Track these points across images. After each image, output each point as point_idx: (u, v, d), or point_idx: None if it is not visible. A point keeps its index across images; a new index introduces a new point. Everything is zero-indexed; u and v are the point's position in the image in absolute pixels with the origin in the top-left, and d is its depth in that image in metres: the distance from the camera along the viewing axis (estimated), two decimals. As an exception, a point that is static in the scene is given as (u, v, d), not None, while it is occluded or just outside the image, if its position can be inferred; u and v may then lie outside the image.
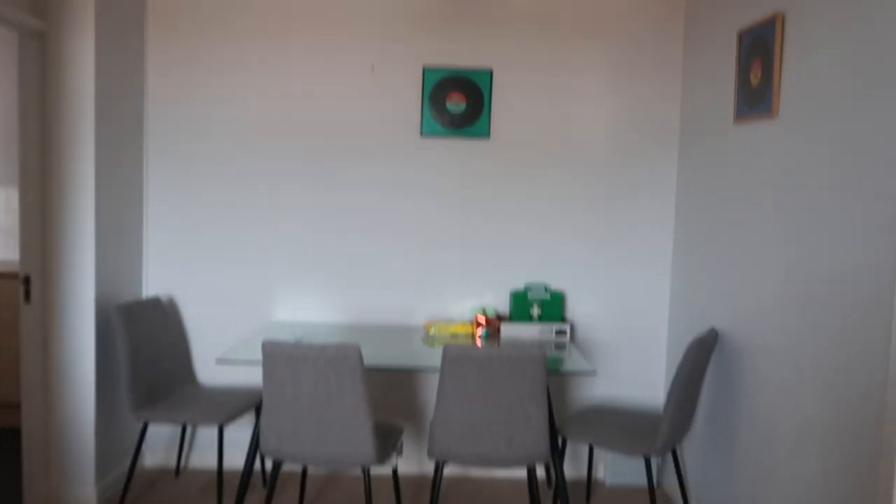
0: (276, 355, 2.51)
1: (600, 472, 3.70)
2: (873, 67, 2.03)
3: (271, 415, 2.59)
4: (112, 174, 3.26)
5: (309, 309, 3.66)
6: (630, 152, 3.61)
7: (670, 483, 3.51)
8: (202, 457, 3.70)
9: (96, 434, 3.17)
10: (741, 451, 2.78)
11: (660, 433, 2.80)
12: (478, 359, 2.54)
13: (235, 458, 3.69)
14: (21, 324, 3.09)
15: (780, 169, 2.54)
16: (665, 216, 3.64)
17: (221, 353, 3.52)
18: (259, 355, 2.87)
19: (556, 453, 2.93)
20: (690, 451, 3.31)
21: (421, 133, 3.58)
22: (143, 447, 3.69)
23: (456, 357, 2.55)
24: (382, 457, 2.64)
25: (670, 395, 2.77)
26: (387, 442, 2.76)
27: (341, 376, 2.49)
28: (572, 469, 3.71)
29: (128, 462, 3.49)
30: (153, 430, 3.69)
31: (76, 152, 3.07)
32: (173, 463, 3.70)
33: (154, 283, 3.64)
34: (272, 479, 2.72)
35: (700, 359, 2.83)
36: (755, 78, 2.71)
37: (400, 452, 3.65)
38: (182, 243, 3.62)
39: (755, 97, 2.71)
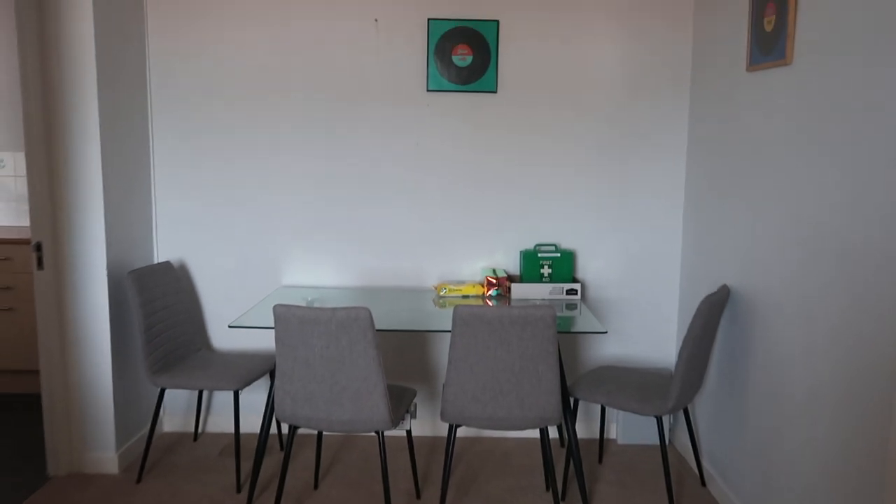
0: (288, 319, 2.52)
1: (613, 432, 3.72)
2: (888, 15, 1.96)
3: (285, 379, 2.61)
4: (117, 138, 3.25)
5: (320, 272, 3.67)
6: (641, 102, 3.54)
7: (682, 441, 3.53)
8: (220, 421, 3.75)
9: (114, 400, 3.22)
10: (752, 409, 2.78)
11: (671, 392, 2.80)
12: (488, 319, 2.53)
13: (253, 422, 3.75)
14: (35, 290, 3.12)
15: (794, 119, 2.48)
16: (676, 170, 3.58)
17: (234, 318, 3.53)
18: (271, 320, 2.88)
19: (568, 413, 2.94)
20: (702, 409, 3.31)
21: (427, 88, 3.52)
22: (161, 412, 3.74)
23: (466, 318, 2.55)
24: (396, 420, 2.66)
25: (681, 353, 2.76)
26: (400, 405, 2.78)
27: (353, 339, 2.49)
28: (585, 428, 3.73)
29: (147, 427, 3.54)
30: (171, 394, 3.74)
31: (80, 116, 3.05)
32: (191, 427, 3.75)
33: (165, 248, 3.65)
34: (288, 443, 2.76)
35: (711, 317, 2.81)
36: (769, 24, 2.63)
37: (414, 415, 3.68)
38: (191, 208, 3.62)
39: (769, 44, 2.63)
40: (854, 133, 2.13)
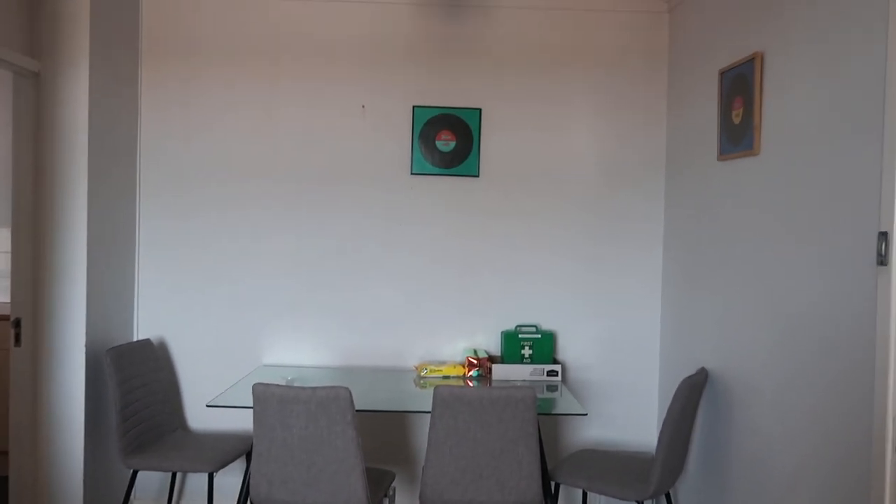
0: (267, 398, 2.50)
1: (595, 516, 3.65)
2: (850, 105, 2.08)
3: (262, 460, 2.56)
4: (104, 216, 3.29)
5: (300, 351, 3.65)
6: (618, 188, 3.66)
7: (666, 526, 3.47)
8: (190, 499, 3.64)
9: (84, 481, 3.13)
10: (734, 492, 2.76)
11: (651, 476, 2.78)
12: (468, 399, 2.53)
13: (225, 505, 3.64)
14: (11, 368, 3.08)
15: (764, 208, 2.58)
16: (654, 255, 3.67)
17: (213, 397, 3.48)
18: (250, 399, 2.85)
19: (549, 498, 2.90)
20: (684, 492, 3.27)
21: (411, 171, 3.62)
22: (133, 495, 3.63)
23: (447, 398, 2.54)
24: (374, 502, 2.61)
25: (661, 437, 2.76)
26: (378, 489, 2.73)
27: (332, 419, 2.47)
28: (567, 513, 3.67)
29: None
30: (144, 476, 3.64)
31: (69, 194, 3.10)
32: (163, 511, 3.64)
33: (145, 326, 3.63)
34: (262, 527, 2.68)
35: (690, 400, 2.82)
36: (737, 116, 2.77)
37: (392, 500, 3.61)
38: (173, 286, 3.63)
39: (737, 135, 2.76)
40: (821, 221, 2.22)
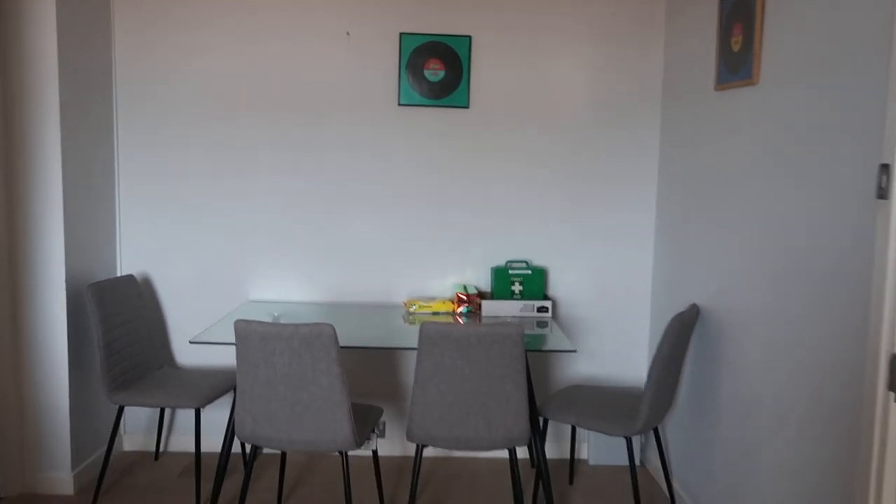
0: (249, 335, 2.45)
1: (584, 452, 3.68)
2: (854, 34, 1.96)
3: (245, 397, 2.53)
4: (79, 149, 3.17)
5: (287, 288, 3.60)
6: (612, 119, 3.54)
7: (654, 463, 3.49)
8: (182, 439, 3.65)
9: (71, 418, 3.12)
10: (723, 428, 2.75)
11: (640, 413, 2.76)
12: (455, 337, 2.49)
13: (217, 441, 3.65)
14: (-11, 306, 3.01)
15: (761, 139, 2.48)
16: (647, 188, 3.58)
17: (198, 333, 3.46)
18: (234, 336, 2.81)
19: (537, 434, 2.89)
20: (673, 428, 3.28)
21: (399, 102, 3.49)
22: (122, 431, 3.63)
23: (433, 335, 2.50)
24: (361, 440, 2.60)
25: (651, 373, 2.73)
26: (365, 424, 2.72)
27: (316, 356, 2.43)
28: (555, 448, 3.69)
29: (105, 446, 3.43)
30: (131, 412, 3.63)
31: (40, 125, 2.97)
32: (153, 447, 3.64)
33: (128, 262, 3.56)
34: (249, 465, 2.68)
35: (681, 336, 2.79)
36: (736, 44, 2.64)
37: (382, 434, 3.62)
38: (157, 221, 3.54)
39: (736, 63, 2.64)
40: (819, 154, 2.13)
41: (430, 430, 2.59)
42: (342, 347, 2.68)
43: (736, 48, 2.64)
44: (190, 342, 2.76)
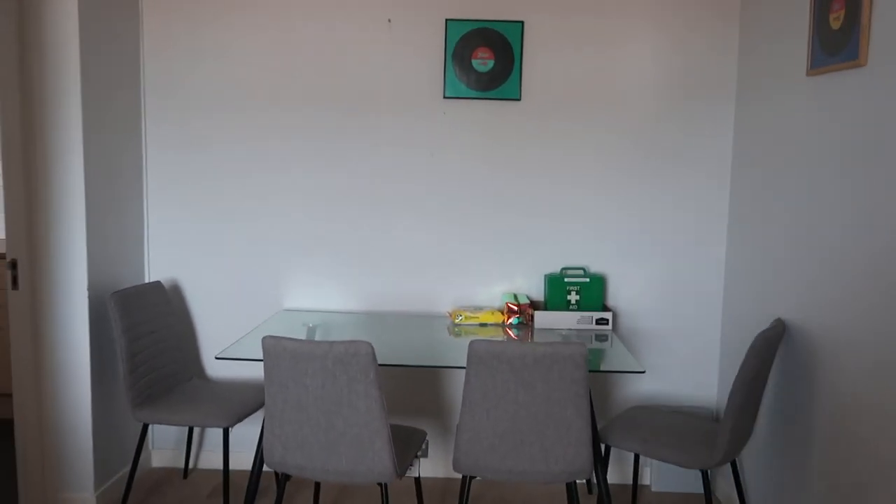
0: (278, 353, 2.20)
1: (646, 477, 3.34)
2: None
3: (274, 421, 2.28)
4: (104, 148, 2.96)
5: (324, 296, 3.34)
6: (680, 111, 3.19)
7: (725, 490, 3.14)
8: (214, 456, 3.43)
9: (94, 434, 2.91)
10: (821, 464, 2.40)
11: (719, 443, 2.43)
12: (508, 357, 2.19)
13: (249, 457, 3.42)
14: (9, 312, 2.83)
15: (867, 130, 2.12)
16: (720, 189, 3.22)
17: (226, 346, 3.24)
18: (263, 351, 2.56)
19: (600, 463, 2.58)
20: (751, 461, 2.93)
21: (444, 95, 3.21)
22: (149, 446, 3.43)
23: (483, 355, 2.20)
24: (402, 469, 2.32)
25: (732, 398, 2.39)
26: (407, 451, 2.44)
27: (352, 377, 2.16)
28: (615, 472, 3.36)
29: (130, 464, 3.23)
30: (160, 427, 3.42)
31: (61, 123, 2.77)
32: (182, 463, 3.43)
33: (157, 268, 3.35)
34: (279, 494, 2.43)
35: (766, 357, 2.44)
36: (836, 20, 2.28)
37: (425, 454, 3.34)
38: (188, 224, 3.32)
39: (836, 43, 2.28)
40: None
41: (478, 461, 2.30)
42: (381, 366, 2.42)
43: (836, 25, 2.28)
44: (216, 357, 2.52)
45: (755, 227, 2.93)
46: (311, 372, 2.17)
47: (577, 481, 3.30)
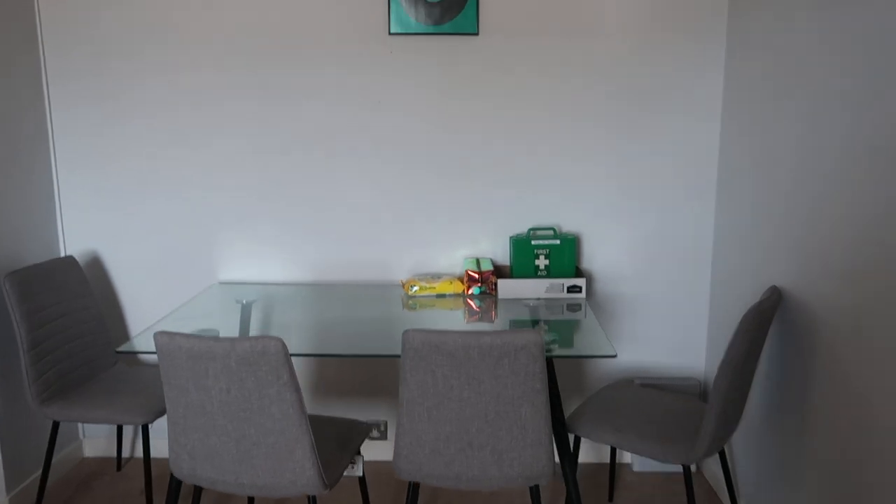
0: (172, 352, 1.83)
1: (626, 455, 3.04)
2: None
3: (178, 429, 1.93)
4: (-11, 107, 2.54)
5: (264, 266, 2.97)
6: (663, 46, 2.76)
7: (712, 470, 2.84)
8: (156, 443, 3.11)
9: (0, 432, 2.58)
10: (818, 452, 2.07)
11: (703, 434, 2.09)
12: (449, 349, 1.83)
13: (188, 445, 3.10)
14: None
15: (885, 54, 1.71)
16: (708, 131, 2.81)
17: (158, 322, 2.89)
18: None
19: (567, 460, 2.25)
20: (741, 439, 2.61)
21: (389, 31, 2.77)
22: (81, 434, 3.11)
23: (418, 347, 1.84)
24: (333, 479, 1.99)
25: (718, 384, 2.04)
26: (344, 453, 2.10)
27: (261, 380, 1.80)
28: (591, 449, 3.05)
29: (55, 459, 2.91)
30: (90, 414, 3.09)
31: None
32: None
33: (74, 241, 2.96)
34: (193, 504, 2.10)
35: (758, 333, 2.09)
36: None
37: (383, 436, 3.03)
38: (106, 188, 2.92)
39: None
40: None
41: (421, 467, 1.97)
42: (320, 356, 2.06)
43: (848, -72, 1.84)
44: (116, 351, 2.15)
45: (748, 178, 2.53)
46: (212, 374, 1.82)
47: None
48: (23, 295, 2.47)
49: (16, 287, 2.46)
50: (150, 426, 3.09)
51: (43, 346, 2.52)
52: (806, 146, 2.10)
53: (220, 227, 2.93)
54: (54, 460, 2.89)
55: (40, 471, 2.82)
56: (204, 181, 2.90)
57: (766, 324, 2.13)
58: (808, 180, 2.09)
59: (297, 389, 1.82)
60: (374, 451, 3.06)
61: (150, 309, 3.00)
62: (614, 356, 2.06)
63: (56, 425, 2.55)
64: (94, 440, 3.11)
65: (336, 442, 2.15)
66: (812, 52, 2.07)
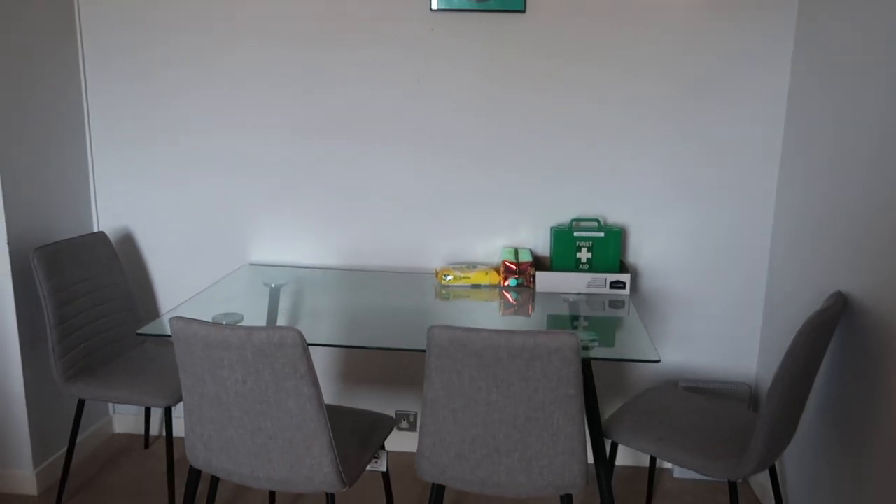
0: (189, 339, 1.75)
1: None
2: None
3: (194, 418, 1.86)
4: (23, 74, 2.50)
5: (295, 249, 2.89)
6: (725, 28, 2.56)
7: (759, 479, 2.66)
8: (180, 422, 3.08)
9: (28, 407, 2.57)
10: (880, 473, 1.89)
11: (752, 450, 1.92)
12: (477, 348, 1.70)
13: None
14: (-78, 273, 2.45)
15: None
16: (772, 120, 2.61)
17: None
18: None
19: (602, 467, 2.11)
20: (794, 463, 2.43)
21: (431, 7, 2.63)
22: (112, 410, 3.10)
23: (444, 345, 1.72)
24: (353, 476, 1.89)
25: (771, 397, 1.87)
26: (365, 448, 2.01)
27: (278, 373, 1.71)
28: (629, 452, 2.90)
29: (84, 435, 2.90)
30: (120, 391, 3.08)
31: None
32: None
33: (107, 217, 2.93)
34: (210, 496, 2.04)
35: (819, 342, 1.91)
36: None
37: (412, 426, 2.94)
38: (141, 165, 2.87)
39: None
40: None
41: (445, 470, 1.86)
42: (341, 347, 1.97)
43: None
44: (137, 333, 2.09)
45: (815, 177, 2.33)
46: (228, 364, 1.73)
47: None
48: (50, 270, 2.44)
49: (43, 262, 2.42)
50: (173, 408, 3.05)
51: (70, 323, 2.48)
52: (880, 146, 1.90)
53: (253, 208, 2.86)
54: (84, 436, 2.88)
55: (66, 447, 2.82)
56: (238, 162, 2.82)
57: (828, 333, 1.95)
58: (881, 182, 1.89)
59: (316, 383, 1.73)
60: (403, 442, 2.96)
61: (181, 288, 2.96)
62: (658, 361, 1.91)
63: (81, 402, 2.52)
64: (124, 417, 3.10)
65: (358, 436, 2.06)
66: (889, 49, 1.86)
